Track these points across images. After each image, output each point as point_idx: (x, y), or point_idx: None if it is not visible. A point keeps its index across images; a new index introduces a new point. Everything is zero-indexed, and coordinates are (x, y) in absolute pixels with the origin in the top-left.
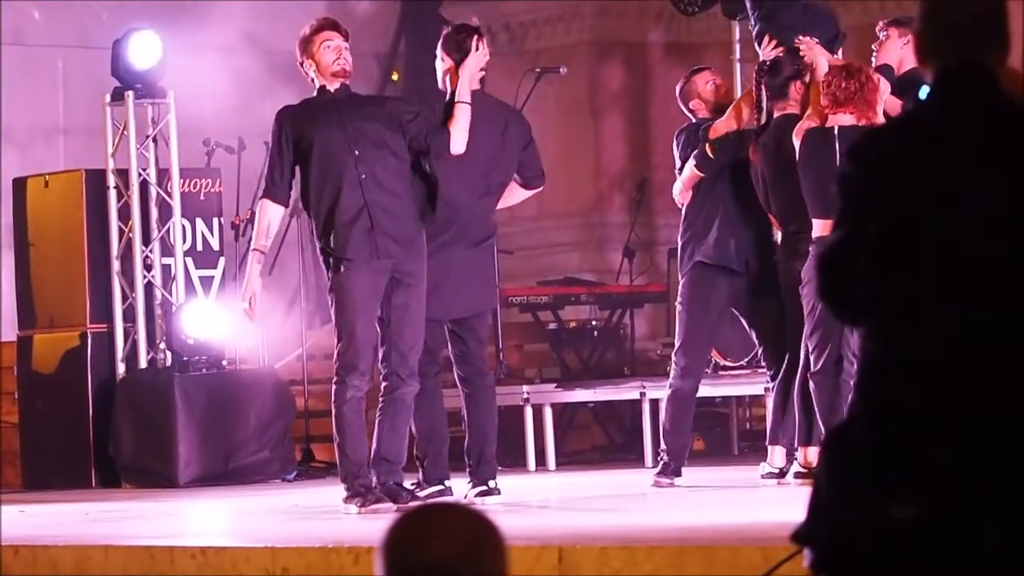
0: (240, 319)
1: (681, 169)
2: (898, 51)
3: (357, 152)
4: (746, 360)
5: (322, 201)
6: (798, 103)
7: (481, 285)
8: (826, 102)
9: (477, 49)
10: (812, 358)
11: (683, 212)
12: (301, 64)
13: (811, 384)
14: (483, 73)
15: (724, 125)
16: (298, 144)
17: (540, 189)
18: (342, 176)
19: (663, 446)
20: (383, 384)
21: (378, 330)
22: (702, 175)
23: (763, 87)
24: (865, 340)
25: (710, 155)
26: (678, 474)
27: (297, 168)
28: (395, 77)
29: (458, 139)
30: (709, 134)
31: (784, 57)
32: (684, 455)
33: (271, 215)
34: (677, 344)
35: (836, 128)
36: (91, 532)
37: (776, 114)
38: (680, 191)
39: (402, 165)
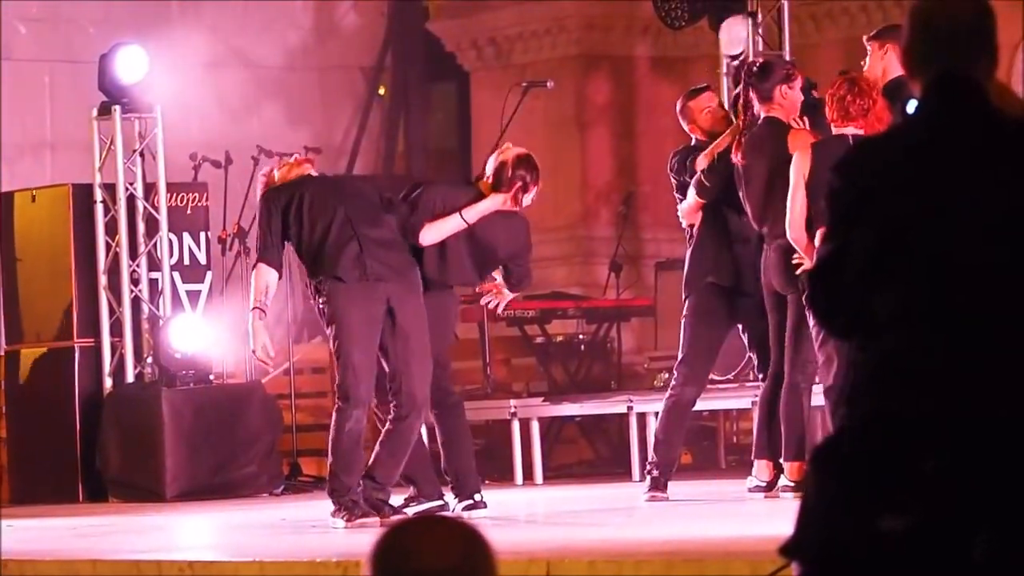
0: (259, 366)
1: (678, 189)
2: (879, 63)
3: (345, 198)
4: (733, 374)
5: (313, 237)
6: (782, 107)
7: (439, 326)
8: (835, 116)
9: (520, 197)
10: (822, 372)
11: (693, 232)
12: (272, 193)
13: (825, 400)
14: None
15: (705, 159)
16: (287, 207)
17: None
18: (332, 216)
19: (653, 459)
20: (392, 407)
21: (384, 363)
22: (705, 201)
23: (750, 89)
24: (856, 352)
25: (706, 183)
26: (667, 488)
27: (288, 239)
28: (381, 91)
29: (429, 235)
30: (696, 166)
31: (775, 61)
32: (673, 469)
33: (268, 278)
34: (681, 355)
35: (851, 138)
36: (78, 546)
37: (762, 115)
38: (686, 214)
39: (388, 216)
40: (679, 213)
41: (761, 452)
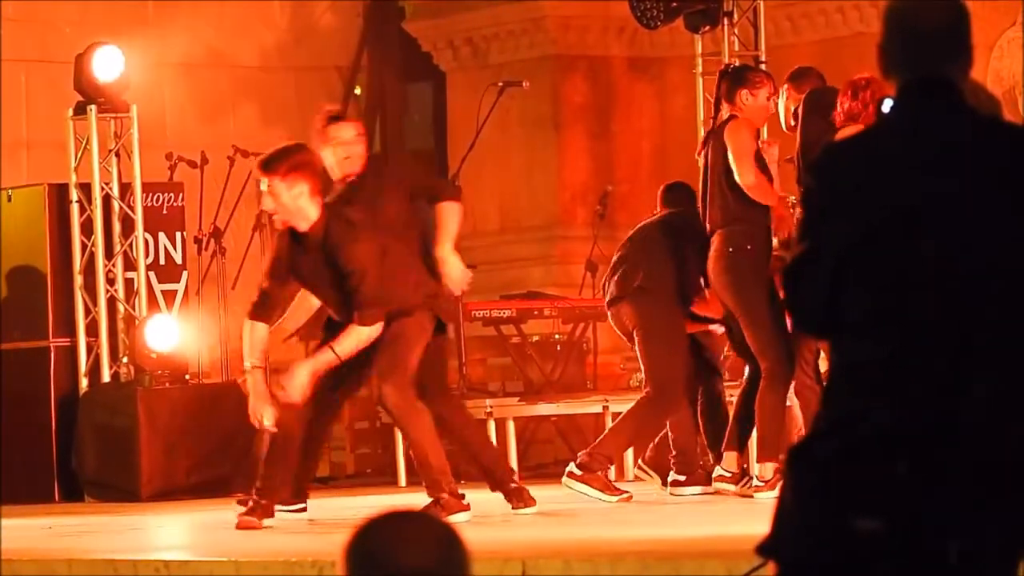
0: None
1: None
2: (782, 104)
3: None
4: None
5: None
6: (743, 111)
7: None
8: (839, 121)
9: None
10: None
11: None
12: None
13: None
14: None
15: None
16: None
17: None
18: None
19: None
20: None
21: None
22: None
23: (721, 88)
24: (831, 353)
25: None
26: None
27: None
28: (357, 91)
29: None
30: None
31: (750, 68)
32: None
33: (259, 332)
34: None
35: None
36: (54, 546)
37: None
38: None
39: None
40: None
41: (731, 444)
